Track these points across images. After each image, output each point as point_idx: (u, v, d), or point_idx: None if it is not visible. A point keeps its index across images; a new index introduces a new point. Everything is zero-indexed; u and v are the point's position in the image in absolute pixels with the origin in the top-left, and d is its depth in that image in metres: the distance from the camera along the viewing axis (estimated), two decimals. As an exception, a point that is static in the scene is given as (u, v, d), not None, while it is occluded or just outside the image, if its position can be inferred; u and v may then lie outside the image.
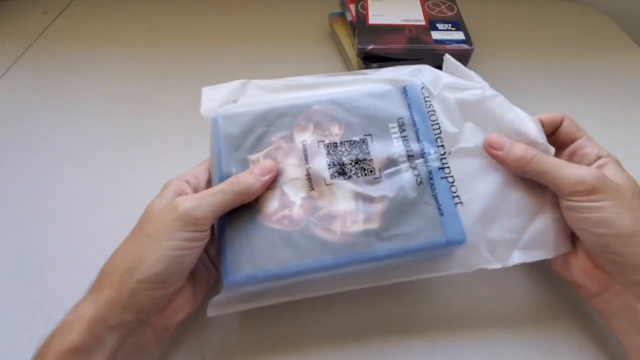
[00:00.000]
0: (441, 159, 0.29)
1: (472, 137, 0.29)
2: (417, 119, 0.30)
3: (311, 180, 0.28)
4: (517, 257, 0.27)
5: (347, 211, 0.27)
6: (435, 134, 0.29)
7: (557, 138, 0.31)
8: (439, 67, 0.46)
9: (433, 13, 0.50)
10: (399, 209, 0.27)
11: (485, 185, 0.28)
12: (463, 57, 0.47)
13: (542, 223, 0.28)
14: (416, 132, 0.29)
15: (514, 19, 0.63)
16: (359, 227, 0.27)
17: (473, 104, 0.30)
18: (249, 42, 0.58)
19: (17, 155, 0.43)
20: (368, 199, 0.27)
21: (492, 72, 0.52)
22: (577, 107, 0.48)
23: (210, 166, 0.30)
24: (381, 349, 0.29)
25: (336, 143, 0.29)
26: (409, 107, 0.30)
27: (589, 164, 0.29)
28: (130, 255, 0.24)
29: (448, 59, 0.33)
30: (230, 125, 0.30)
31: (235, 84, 0.32)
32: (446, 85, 0.31)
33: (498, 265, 0.27)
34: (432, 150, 0.29)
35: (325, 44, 0.57)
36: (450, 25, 0.48)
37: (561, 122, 0.31)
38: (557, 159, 0.28)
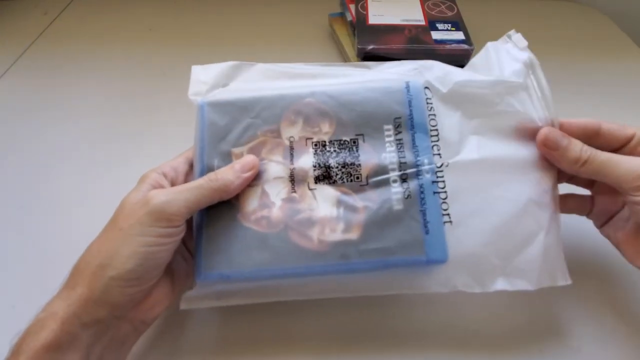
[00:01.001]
0: (436, 172, 0.26)
1: (476, 148, 0.27)
2: (416, 121, 0.27)
3: (294, 181, 0.27)
4: (500, 284, 0.26)
5: (326, 218, 0.26)
6: (432, 141, 0.27)
7: (604, 145, 0.28)
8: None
9: (433, 13, 0.50)
10: (381, 222, 0.25)
11: (481, 205, 0.26)
12: (463, 57, 0.47)
13: (532, 252, 0.26)
14: (412, 135, 0.27)
15: (514, 19, 0.63)
16: (337, 236, 0.25)
17: (486, 102, 0.28)
18: (249, 42, 0.58)
19: (17, 155, 0.42)
20: (350, 207, 0.26)
21: (492, 72, 0.53)
22: (576, 107, 0.48)
23: (193, 155, 0.29)
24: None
25: (325, 142, 0.27)
26: (410, 104, 0.27)
27: None
28: (103, 251, 0.24)
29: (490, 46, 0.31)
30: (216, 114, 0.28)
31: (227, 65, 0.30)
32: (456, 83, 0.28)
33: (478, 290, 0.26)
34: (426, 160, 0.26)
35: (325, 44, 0.57)
36: (450, 25, 0.48)
37: (598, 130, 0.28)
38: (612, 154, 0.26)
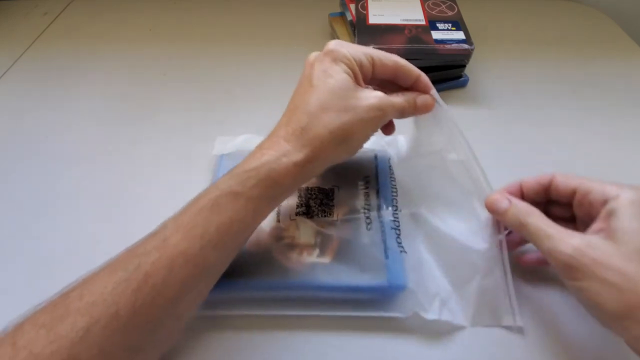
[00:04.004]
0: (393, 214, 0.33)
1: (425, 204, 0.34)
2: (380, 180, 0.36)
3: (280, 215, 0.33)
4: (446, 315, 0.29)
5: (306, 244, 0.31)
6: (392, 195, 0.35)
7: (558, 197, 0.29)
8: (439, 67, 0.47)
9: (433, 13, 0.50)
10: (350, 249, 0.31)
11: (427, 246, 0.33)
12: (463, 57, 0.47)
13: (468, 292, 0.30)
14: (377, 190, 0.35)
15: (514, 18, 0.63)
16: (313, 259, 0.30)
17: (429, 167, 0.34)
18: (249, 42, 0.58)
19: (16, 155, 0.42)
20: (326, 237, 0.32)
21: (492, 72, 0.53)
22: (576, 107, 0.48)
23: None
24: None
25: (308, 187, 0.35)
26: (376, 169, 0.37)
27: (598, 214, 0.26)
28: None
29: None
30: (230, 160, 0.38)
31: (242, 138, 0.41)
32: (405, 159, 0.38)
33: (433, 317, 0.29)
34: (388, 207, 0.34)
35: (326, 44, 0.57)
36: (450, 25, 0.48)
37: (550, 182, 0.29)
38: (542, 226, 0.26)
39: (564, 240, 0.24)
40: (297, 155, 0.26)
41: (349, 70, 0.28)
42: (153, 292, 0.22)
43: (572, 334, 0.29)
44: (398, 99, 0.30)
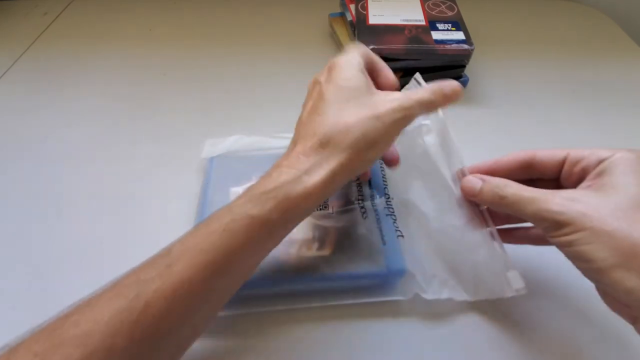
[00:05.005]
0: (386, 202, 0.34)
1: (414, 190, 0.35)
2: (372, 170, 0.36)
3: None
4: (446, 294, 0.30)
5: (304, 239, 0.32)
6: (384, 184, 0.36)
7: (542, 173, 0.28)
8: (439, 67, 0.47)
9: (433, 13, 0.50)
10: (348, 239, 0.32)
11: (423, 229, 0.33)
12: (463, 57, 0.47)
13: (463, 270, 0.31)
14: (369, 180, 0.36)
15: (514, 18, 0.63)
16: (312, 252, 0.31)
17: (410, 147, 0.34)
18: (249, 42, 0.58)
19: (16, 156, 0.42)
20: (323, 230, 0.32)
21: (492, 72, 0.53)
22: (576, 107, 0.48)
23: (200, 192, 0.36)
24: None
25: None
26: None
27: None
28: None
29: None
30: (221, 163, 0.38)
31: (232, 139, 0.40)
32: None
33: (433, 296, 0.30)
34: (380, 195, 0.35)
35: (325, 44, 0.57)
36: (450, 25, 0.48)
37: (530, 160, 0.28)
38: (522, 192, 0.25)
39: (549, 198, 0.23)
40: (319, 172, 0.24)
41: (362, 75, 0.27)
42: (152, 324, 0.21)
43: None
44: (422, 92, 0.26)
